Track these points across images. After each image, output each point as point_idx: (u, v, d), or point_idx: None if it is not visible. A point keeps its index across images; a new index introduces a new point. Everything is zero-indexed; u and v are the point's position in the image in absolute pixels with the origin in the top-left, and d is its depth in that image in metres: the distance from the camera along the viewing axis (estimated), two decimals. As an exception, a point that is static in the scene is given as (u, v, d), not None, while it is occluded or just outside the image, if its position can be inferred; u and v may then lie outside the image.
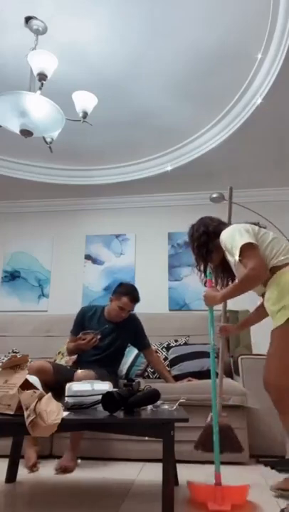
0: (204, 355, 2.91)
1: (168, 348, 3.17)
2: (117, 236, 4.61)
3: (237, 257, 1.80)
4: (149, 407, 1.71)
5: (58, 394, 1.80)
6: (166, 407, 1.76)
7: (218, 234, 2.00)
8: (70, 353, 2.71)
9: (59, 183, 4.34)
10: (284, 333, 1.74)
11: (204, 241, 2.03)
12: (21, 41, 2.66)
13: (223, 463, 1.81)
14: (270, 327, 1.85)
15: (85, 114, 2.57)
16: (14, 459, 1.99)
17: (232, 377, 2.97)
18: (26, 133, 2.38)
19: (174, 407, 1.74)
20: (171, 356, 3.07)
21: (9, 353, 3.30)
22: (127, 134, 3.66)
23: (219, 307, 2.27)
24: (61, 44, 2.72)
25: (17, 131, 2.39)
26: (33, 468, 2.13)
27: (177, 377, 2.78)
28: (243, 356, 2.78)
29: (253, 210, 3.70)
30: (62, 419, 1.46)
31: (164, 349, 3.17)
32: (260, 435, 2.47)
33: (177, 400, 1.90)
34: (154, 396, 1.71)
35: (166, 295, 4.30)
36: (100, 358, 2.58)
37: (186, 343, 3.22)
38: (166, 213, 4.57)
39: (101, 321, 2.67)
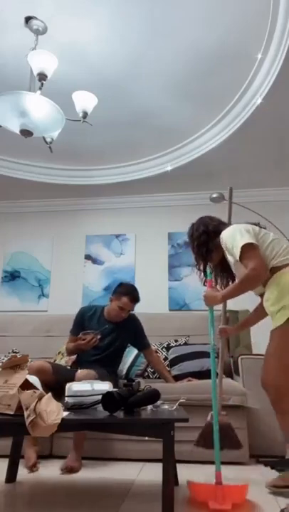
0: (204, 355, 2.91)
1: (168, 348, 3.17)
2: (117, 236, 4.61)
3: (238, 257, 1.80)
4: (149, 407, 1.71)
5: (58, 394, 1.80)
6: (166, 407, 1.76)
7: (218, 233, 2.01)
8: (70, 353, 2.71)
9: (59, 183, 4.34)
10: (283, 333, 1.75)
11: (204, 240, 2.04)
12: (21, 41, 2.66)
13: (223, 463, 1.81)
14: (269, 327, 1.85)
15: (85, 114, 2.57)
16: (14, 459, 1.99)
17: (232, 377, 2.97)
18: (26, 133, 2.38)
19: (174, 407, 1.74)
20: (171, 356, 3.07)
21: (9, 353, 3.30)
22: (127, 134, 3.66)
23: (219, 307, 2.27)
24: (61, 44, 2.72)
25: (17, 131, 2.39)
26: (33, 468, 2.13)
27: (177, 377, 2.78)
28: (243, 356, 2.78)
29: (253, 210, 3.70)
30: (63, 419, 1.46)
31: (164, 349, 3.17)
32: (260, 435, 2.47)
33: (177, 399, 1.90)
34: (154, 396, 1.71)
35: (166, 295, 4.30)
36: (100, 358, 2.58)
37: (186, 343, 3.22)
38: (166, 213, 4.58)
39: (101, 321, 2.67)
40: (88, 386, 1.83)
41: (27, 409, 1.47)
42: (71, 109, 2.55)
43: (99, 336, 2.49)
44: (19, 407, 1.52)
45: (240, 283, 1.82)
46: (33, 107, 2.29)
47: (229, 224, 2.14)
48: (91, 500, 1.72)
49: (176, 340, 3.26)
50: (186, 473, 2.03)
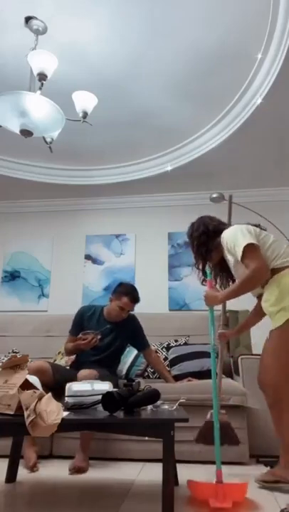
0: (204, 355, 2.91)
1: (168, 348, 3.17)
2: (117, 236, 4.61)
3: (239, 257, 1.81)
4: (149, 407, 1.71)
5: (58, 394, 1.81)
6: (166, 407, 1.76)
7: (218, 233, 2.02)
8: (69, 353, 2.71)
9: (59, 183, 4.34)
10: (282, 333, 1.76)
11: (204, 240, 2.05)
12: (21, 41, 2.66)
13: (223, 463, 1.82)
14: (269, 327, 1.86)
15: (85, 114, 2.57)
16: (14, 459, 1.99)
17: (232, 377, 2.97)
18: (26, 133, 2.38)
19: (174, 407, 1.74)
20: (171, 356, 3.07)
21: (9, 353, 3.30)
22: (127, 134, 3.66)
23: (219, 307, 2.28)
24: (61, 44, 2.72)
25: (17, 131, 2.39)
26: (33, 468, 2.13)
27: (177, 377, 2.78)
28: (243, 356, 2.78)
29: (253, 210, 3.70)
30: (63, 419, 1.46)
31: (164, 349, 3.17)
32: (260, 435, 2.47)
33: (177, 400, 1.90)
34: (154, 396, 1.71)
35: (166, 295, 4.30)
36: (100, 359, 2.58)
37: (186, 343, 3.22)
38: (166, 213, 4.58)
39: (100, 321, 2.67)
40: (88, 386, 1.83)
41: (27, 409, 1.47)
42: (71, 109, 2.55)
43: (99, 336, 2.49)
44: (19, 407, 1.52)
45: (242, 283, 1.83)
46: (33, 107, 2.29)
47: (230, 225, 2.14)
48: (91, 500, 1.72)
49: (176, 340, 3.26)
50: (186, 473, 2.03)
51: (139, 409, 1.67)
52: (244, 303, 2.46)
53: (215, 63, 2.87)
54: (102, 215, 4.71)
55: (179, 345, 3.20)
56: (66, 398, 1.78)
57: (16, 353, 3.25)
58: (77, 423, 1.58)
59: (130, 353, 3.05)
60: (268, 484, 1.83)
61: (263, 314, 1.99)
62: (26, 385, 1.65)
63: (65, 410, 1.59)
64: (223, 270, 2.14)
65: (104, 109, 3.14)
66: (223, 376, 2.84)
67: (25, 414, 1.46)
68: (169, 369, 2.93)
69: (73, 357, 2.75)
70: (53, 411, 1.47)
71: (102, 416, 1.57)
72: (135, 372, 3.00)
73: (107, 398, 1.60)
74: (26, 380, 1.67)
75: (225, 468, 1.79)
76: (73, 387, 1.83)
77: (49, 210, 4.81)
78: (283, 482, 1.82)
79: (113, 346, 2.64)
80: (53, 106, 2.34)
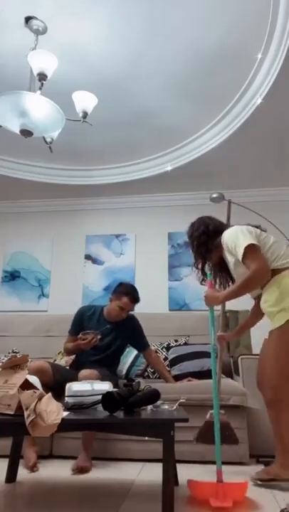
0: (204, 355, 2.91)
1: (168, 348, 3.17)
2: (117, 236, 4.61)
3: (240, 257, 1.81)
4: (149, 407, 1.71)
5: (58, 394, 1.81)
6: (166, 407, 1.76)
7: (218, 233, 2.03)
8: (68, 353, 2.71)
9: (59, 183, 4.34)
10: (282, 334, 1.77)
11: (204, 240, 2.07)
12: (21, 41, 2.66)
13: (223, 463, 1.82)
14: (269, 327, 1.86)
15: (85, 114, 2.57)
16: (14, 459, 1.99)
17: (232, 377, 2.97)
18: (26, 133, 2.38)
19: (174, 407, 1.74)
20: (171, 356, 3.07)
21: (9, 353, 3.30)
22: (127, 134, 3.66)
23: (220, 307, 2.28)
24: (61, 44, 2.72)
25: (17, 131, 2.39)
26: (33, 468, 2.13)
27: (177, 377, 2.78)
28: (243, 356, 2.78)
29: (253, 210, 3.69)
30: (63, 419, 1.46)
31: (164, 349, 3.17)
32: (260, 435, 2.47)
33: (177, 400, 1.91)
34: (154, 396, 1.71)
35: (166, 295, 4.30)
36: (100, 359, 2.58)
37: (186, 343, 3.22)
38: (166, 213, 4.58)
39: (100, 321, 2.67)
40: (88, 386, 1.83)
41: (27, 409, 1.47)
42: (71, 109, 2.55)
43: (99, 336, 2.48)
44: (19, 407, 1.52)
45: (242, 284, 1.84)
46: (33, 107, 2.29)
47: (229, 226, 2.15)
48: (91, 500, 1.72)
49: (176, 340, 3.26)
50: (186, 473, 2.03)
51: (139, 409, 1.67)
52: (244, 303, 2.46)
53: (215, 63, 2.87)
54: (102, 215, 4.71)
55: (179, 345, 3.20)
56: (66, 398, 1.78)
57: (16, 353, 3.25)
58: (77, 423, 1.58)
59: (130, 353, 3.05)
60: (264, 483, 1.85)
61: (262, 315, 2.00)
62: (26, 385, 1.65)
63: (65, 410, 1.59)
64: (222, 270, 2.15)
65: (104, 109, 3.14)
66: (223, 376, 2.85)
67: (25, 414, 1.46)
68: (169, 369, 2.93)
69: (73, 357, 2.75)
70: (53, 411, 1.47)
71: (102, 416, 1.57)
72: (135, 372, 3.00)
73: (107, 398, 1.60)
74: (26, 380, 1.67)
75: (225, 468, 1.80)
76: (73, 387, 1.83)
77: (49, 210, 4.81)
78: (278, 480, 1.84)
79: (113, 346, 2.64)
80: (53, 106, 2.34)
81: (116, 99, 3.23)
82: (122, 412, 1.61)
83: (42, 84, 2.33)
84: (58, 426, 1.44)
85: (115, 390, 1.69)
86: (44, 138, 2.77)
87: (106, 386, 1.83)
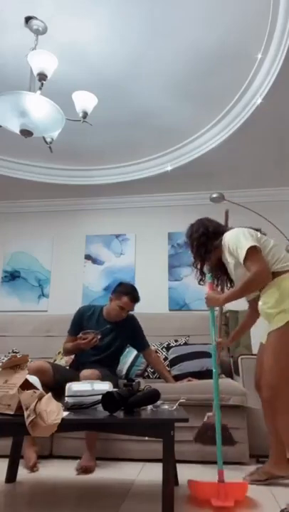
0: (204, 355, 2.92)
1: (168, 348, 3.17)
2: (117, 236, 4.61)
3: (242, 259, 1.83)
4: (149, 407, 1.71)
5: (58, 394, 1.81)
6: (166, 407, 1.76)
7: (217, 235, 2.06)
8: (68, 353, 2.71)
9: (59, 183, 4.34)
10: (281, 335, 1.78)
11: (203, 241, 2.09)
12: (21, 41, 2.66)
13: (224, 463, 1.82)
14: (265, 330, 1.88)
15: (85, 114, 2.57)
16: (14, 459, 1.99)
17: (232, 377, 2.97)
18: (26, 133, 2.37)
19: (174, 407, 1.74)
20: (171, 356, 3.07)
21: (9, 353, 3.30)
22: (127, 134, 3.66)
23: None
24: (61, 44, 2.72)
25: (17, 131, 2.39)
26: (33, 468, 2.13)
27: (177, 377, 2.78)
28: (243, 356, 2.78)
29: (253, 210, 3.70)
30: (63, 419, 1.46)
31: (164, 349, 3.17)
32: (260, 435, 2.47)
33: (177, 400, 1.91)
34: (154, 396, 1.71)
35: (166, 295, 4.30)
36: (101, 359, 2.58)
37: (186, 343, 3.22)
38: (166, 213, 4.57)
39: (100, 321, 2.67)
40: (88, 386, 1.83)
41: (27, 409, 1.47)
42: (71, 109, 2.55)
43: (99, 336, 2.49)
44: (19, 407, 1.52)
45: (243, 285, 1.86)
46: (33, 107, 2.29)
47: (228, 229, 2.17)
48: (91, 500, 1.72)
49: (176, 340, 3.26)
50: (186, 473, 2.03)
51: (139, 409, 1.67)
52: (244, 303, 2.46)
53: (215, 63, 2.87)
54: (102, 215, 4.71)
55: (179, 345, 3.20)
56: (66, 398, 1.78)
57: (16, 353, 3.25)
58: (77, 423, 1.58)
59: (130, 353, 3.05)
60: (261, 483, 1.89)
61: (257, 316, 2.04)
62: (26, 385, 1.65)
63: (65, 410, 1.59)
64: (220, 271, 2.18)
65: (104, 109, 3.14)
66: (223, 376, 2.85)
67: (25, 414, 1.46)
68: (169, 369, 2.93)
69: (73, 356, 2.75)
70: (53, 411, 1.48)
71: (102, 416, 1.57)
72: (135, 372, 3.00)
73: (107, 398, 1.60)
74: (26, 380, 1.67)
75: (225, 468, 1.80)
76: (73, 387, 1.83)
77: (49, 210, 4.81)
78: (272, 478, 1.89)
79: (113, 346, 2.64)
80: (53, 106, 2.34)
81: (116, 99, 3.23)
82: (122, 412, 1.61)
83: (42, 84, 2.33)
84: (58, 426, 1.44)
85: (115, 390, 1.70)
86: (44, 138, 2.77)
87: (106, 386, 1.83)
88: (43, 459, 2.34)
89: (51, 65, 2.33)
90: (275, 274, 1.84)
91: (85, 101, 2.55)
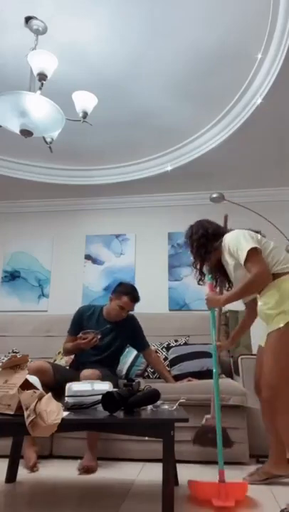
0: (204, 355, 2.92)
1: (168, 348, 3.17)
2: (117, 236, 4.61)
3: (242, 261, 1.84)
4: (149, 407, 1.71)
5: (58, 394, 1.81)
6: (166, 407, 1.76)
7: (217, 236, 2.08)
8: (67, 353, 2.71)
9: (59, 183, 4.33)
10: (281, 335, 1.79)
11: (203, 242, 2.11)
12: (21, 41, 2.66)
13: (224, 462, 1.82)
14: (263, 332, 1.89)
15: (85, 114, 2.57)
16: (14, 459, 1.99)
17: (232, 377, 2.97)
18: (26, 133, 2.37)
19: (174, 407, 1.74)
20: (171, 356, 3.07)
21: (9, 353, 3.30)
22: (127, 134, 3.66)
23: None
24: (61, 44, 2.72)
25: (17, 131, 2.39)
26: (33, 468, 2.13)
27: (177, 377, 2.78)
28: (243, 356, 2.78)
29: (253, 210, 3.70)
30: (63, 419, 1.46)
31: (164, 349, 3.17)
32: (260, 435, 2.47)
33: (177, 400, 1.91)
34: (154, 396, 1.71)
35: (166, 295, 4.30)
36: (101, 359, 2.58)
37: (186, 343, 3.22)
38: (166, 213, 4.57)
39: (100, 321, 2.67)
40: (88, 386, 1.83)
41: (27, 409, 1.47)
42: (71, 109, 2.55)
43: (99, 336, 2.49)
44: (19, 407, 1.52)
45: (244, 286, 1.87)
46: (33, 107, 2.29)
47: (228, 230, 2.18)
48: (91, 500, 1.72)
49: (176, 340, 3.26)
50: (186, 473, 2.03)
51: (139, 409, 1.67)
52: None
53: (215, 63, 2.87)
54: (102, 215, 4.71)
55: (179, 345, 3.20)
56: (66, 398, 1.78)
57: (16, 353, 3.25)
58: (77, 423, 1.58)
59: (130, 353, 3.05)
60: (261, 482, 1.90)
61: (256, 315, 2.06)
62: (26, 385, 1.65)
63: (65, 410, 1.59)
64: (219, 273, 2.19)
65: (104, 109, 3.14)
66: (223, 376, 2.85)
67: (25, 414, 1.46)
68: (169, 369, 2.93)
69: (73, 356, 2.75)
70: (53, 411, 1.48)
71: (102, 416, 1.57)
72: (135, 372, 3.00)
73: (107, 398, 1.60)
74: (26, 380, 1.67)
75: (225, 468, 1.80)
76: (73, 387, 1.83)
77: (49, 210, 4.80)
78: (272, 478, 1.91)
79: (113, 346, 2.64)
80: (53, 106, 2.34)
81: (116, 99, 3.23)
82: (122, 412, 1.61)
83: (42, 84, 2.33)
84: (58, 426, 1.44)
85: (115, 390, 1.70)
86: (44, 138, 2.77)
87: (106, 386, 1.83)
88: (43, 459, 2.34)
89: (51, 65, 2.33)
90: (275, 276, 1.86)
91: (85, 101, 2.55)
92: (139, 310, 2.78)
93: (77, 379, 2.16)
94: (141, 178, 4.19)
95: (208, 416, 2.20)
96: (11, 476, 1.97)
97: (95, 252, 4.58)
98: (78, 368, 2.46)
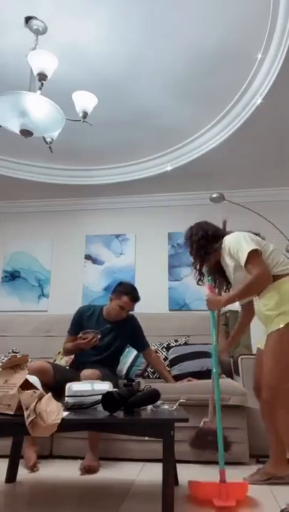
0: (204, 355, 2.91)
1: (168, 348, 3.17)
2: (117, 236, 4.61)
3: (243, 262, 1.85)
4: (149, 407, 1.71)
5: (58, 394, 1.81)
6: (166, 407, 1.76)
7: (216, 238, 2.09)
8: (67, 352, 2.71)
9: (59, 183, 4.33)
10: (281, 336, 1.79)
11: (203, 243, 2.12)
12: (21, 41, 2.66)
13: (224, 463, 1.82)
14: (260, 334, 1.90)
15: (85, 114, 2.57)
16: (14, 459, 1.99)
17: (232, 377, 2.97)
18: (26, 133, 2.37)
19: (174, 407, 1.74)
20: (171, 356, 3.07)
21: (9, 353, 3.30)
22: (127, 134, 3.66)
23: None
24: (61, 44, 2.72)
25: (17, 131, 2.39)
26: (33, 468, 2.13)
27: (177, 377, 2.78)
28: (243, 356, 2.78)
29: (253, 210, 3.70)
30: (63, 419, 1.46)
31: (164, 349, 3.17)
32: (260, 435, 2.47)
33: (177, 400, 1.91)
34: (154, 396, 1.71)
35: (166, 295, 4.30)
36: (101, 359, 2.58)
37: (186, 343, 3.22)
38: (166, 213, 4.57)
39: (100, 321, 2.67)
40: (88, 386, 1.83)
41: (27, 409, 1.47)
42: (71, 109, 2.55)
43: (99, 336, 2.49)
44: (19, 407, 1.52)
45: (245, 288, 1.88)
46: (33, 107, 2.29)
47: (227, 232, 2.19)
48: (91, 500, 1.72)
49: (176, 340, 3.26)
50: (186, 473, 2.03)
51: (139, 409, 1.67)
52: (244, 303, 2.47)
53: (215, 63, 2.87)
54: (102, 215, 4.71)
55: (179, 345, 3.20)
56: (66, 398, 1.78)
57: (16, 353, 3.25)
58: (77, 423, 1.58)
59: (130, 353, 3.05)
60: (262, 483, 1.90)
61: (252, 315, 2.09)
62: (26, 385, 1.65)
63: (65, 410, 1.59)
64: (218, 274, 2.20)
65: (104, 109, 3.14)
66: (223, 376, 2.85)
67: (25, 414, 1.46)
68: (169, 369, 2.93)
69: (72, 356, 2.75)
70: (53, 411, 1.48)
71: (102, 416, 1.57)
72: (135, 372, 3.00)
73: (107, 398, 1.60)
74: (26, 380, 1.67)
75: (225, 468, 1.80)
76: (73, 387, 1.83)
77: (49, 210, 4.80)
78: (273, 478, 1.91)
79: (113, 346, 2.64)
80: (53, 106, 2.34)
81: (116, 99, 3.23)
82: (122, 412, 1.61)
83: (42, 84, 2.33)
84: (58, 426, 1.44)
85: (115, 390, 1.70)
86: (44, 138, 2.77)
87: (106, 386, 1.83)
88: (43, 459, 2.34)
89: (51, 65, 2.33)
90: (275, 278, 1.87)
91: (85, 101, 2.55)
92: (139, 310, 2.78)
93: (77, 379, 2.16)
94: (141, 178, 4.19)
95: (206, 419, 2.21)
96: (11, 476, 1.97)
97: (95, 252, 4.58)
98: (78, 368, 2.46)
